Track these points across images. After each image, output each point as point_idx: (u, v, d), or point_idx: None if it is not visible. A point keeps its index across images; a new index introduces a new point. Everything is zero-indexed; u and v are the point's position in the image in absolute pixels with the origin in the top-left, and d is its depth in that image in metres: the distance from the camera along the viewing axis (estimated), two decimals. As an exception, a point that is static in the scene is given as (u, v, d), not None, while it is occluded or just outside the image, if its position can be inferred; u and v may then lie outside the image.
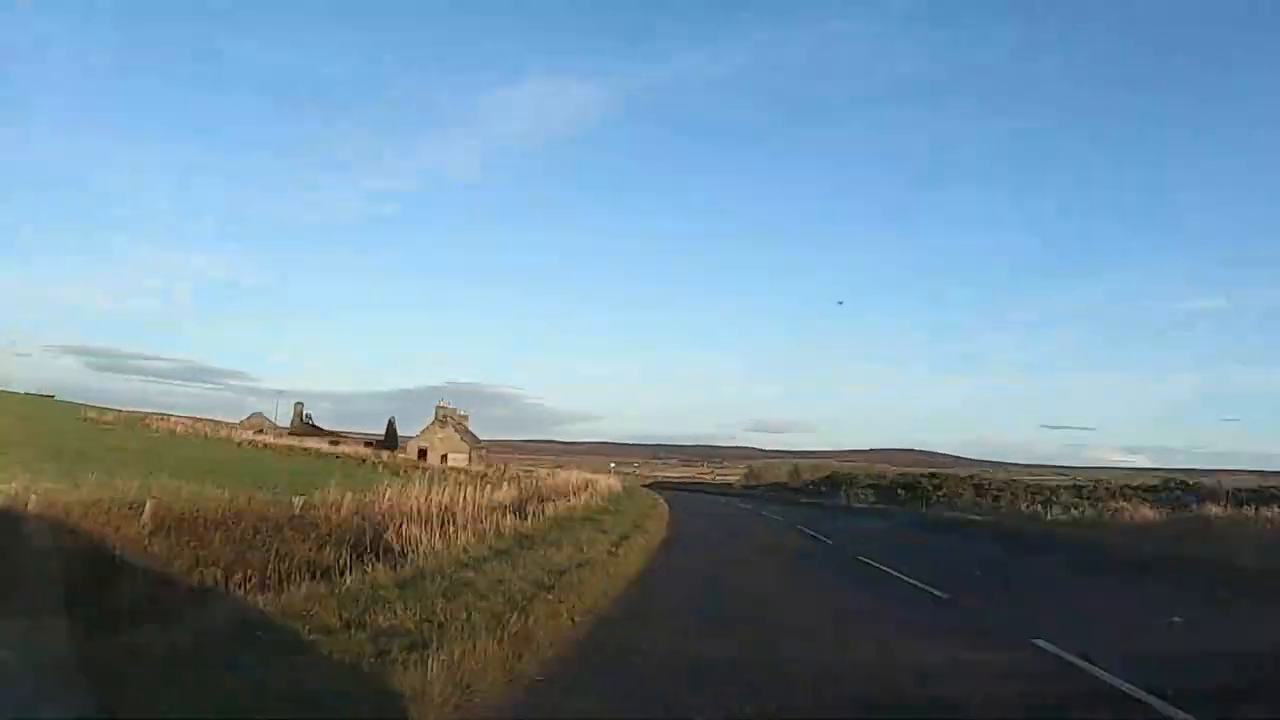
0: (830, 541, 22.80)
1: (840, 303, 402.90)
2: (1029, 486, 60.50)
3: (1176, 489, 50.36)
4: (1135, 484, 57.44)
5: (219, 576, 6.87)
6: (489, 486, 20.27)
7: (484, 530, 11.90)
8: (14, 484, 11.36)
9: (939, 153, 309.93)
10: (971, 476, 71.67)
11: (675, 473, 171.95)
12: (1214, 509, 23.17)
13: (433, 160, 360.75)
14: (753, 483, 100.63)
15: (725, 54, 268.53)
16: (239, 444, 61.95)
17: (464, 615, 6.30)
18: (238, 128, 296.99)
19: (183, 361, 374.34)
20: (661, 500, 39.02)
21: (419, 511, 12.43)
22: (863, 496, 62.35)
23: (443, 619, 6.13)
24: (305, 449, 63.42)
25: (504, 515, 13.86)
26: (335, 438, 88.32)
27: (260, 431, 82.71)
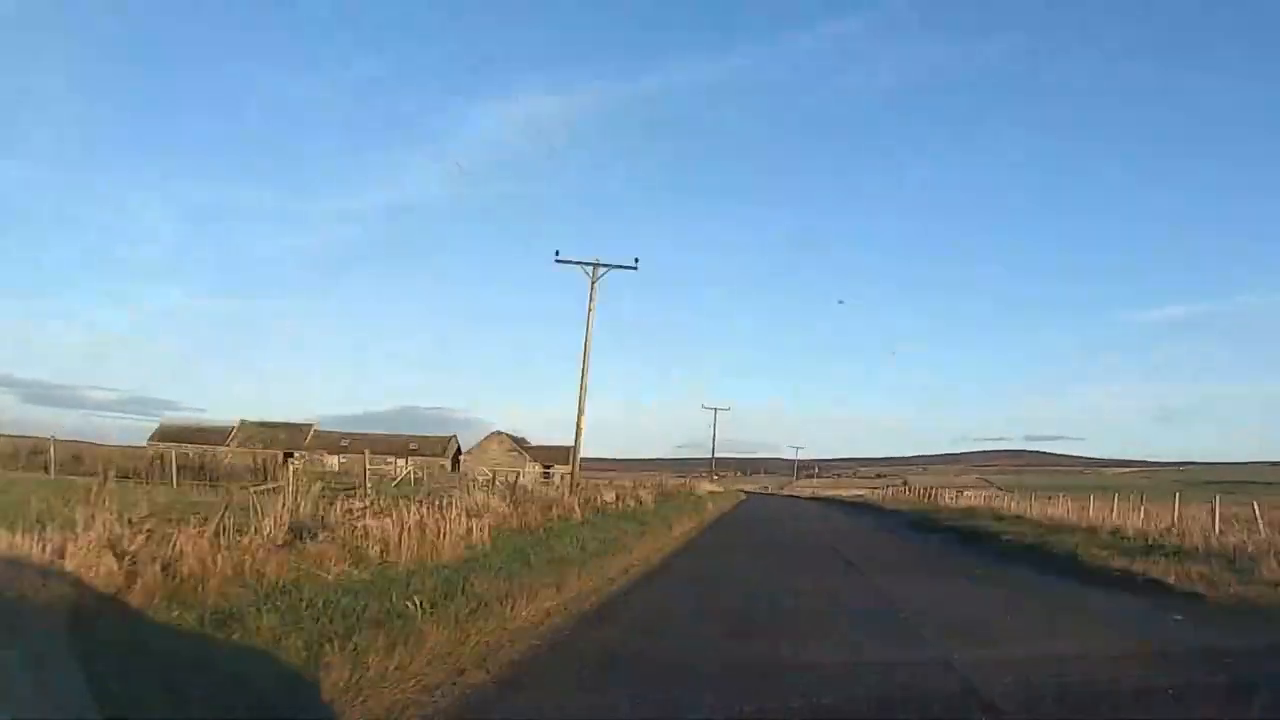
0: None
1: (840, 301, 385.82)
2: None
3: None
4: None
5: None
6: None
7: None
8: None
9: None
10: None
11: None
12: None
13: (402, 180, 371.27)
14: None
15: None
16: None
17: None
18: (193, 147, 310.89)
19: (124, 393, 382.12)
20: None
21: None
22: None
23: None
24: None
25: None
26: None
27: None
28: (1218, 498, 19.02)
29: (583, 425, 30.29)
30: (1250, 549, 14.27)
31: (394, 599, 7.31)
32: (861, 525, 36.35)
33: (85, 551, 6.46)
